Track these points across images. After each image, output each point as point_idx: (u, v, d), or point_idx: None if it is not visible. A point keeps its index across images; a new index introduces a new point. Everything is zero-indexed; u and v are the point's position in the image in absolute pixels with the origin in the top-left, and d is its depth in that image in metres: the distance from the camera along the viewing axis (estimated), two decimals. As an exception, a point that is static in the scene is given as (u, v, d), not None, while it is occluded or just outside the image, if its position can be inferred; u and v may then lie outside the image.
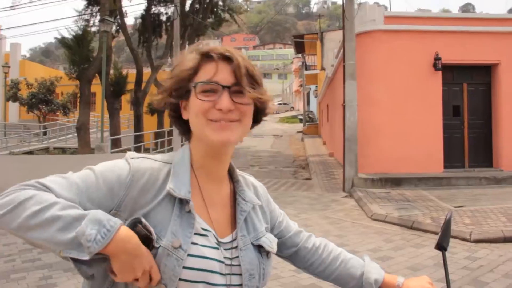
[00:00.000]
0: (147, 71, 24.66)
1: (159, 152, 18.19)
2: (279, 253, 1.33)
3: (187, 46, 24.70)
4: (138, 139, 19.81)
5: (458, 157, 11.97)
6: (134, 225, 0.97)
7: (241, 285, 1.12)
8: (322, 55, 26.32)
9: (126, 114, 29.29)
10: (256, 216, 1.23)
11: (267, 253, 1.19)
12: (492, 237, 6.35)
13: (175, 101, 1.14)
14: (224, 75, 1.07)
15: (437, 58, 11.22)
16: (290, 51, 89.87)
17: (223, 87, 1.06)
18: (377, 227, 7.24)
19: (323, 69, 26.45)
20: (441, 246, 1.27)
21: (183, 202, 1.07)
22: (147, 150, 18.72)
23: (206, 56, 1.10)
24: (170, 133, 19.19)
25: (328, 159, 16.95)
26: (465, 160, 12.03)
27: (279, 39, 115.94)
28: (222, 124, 1.07)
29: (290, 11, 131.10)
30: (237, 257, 1.12)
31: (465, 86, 12.08)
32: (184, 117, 1.14)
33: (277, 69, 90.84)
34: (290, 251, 1.36)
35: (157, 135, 21.27)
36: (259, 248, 1.18)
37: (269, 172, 14.48)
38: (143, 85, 22.17)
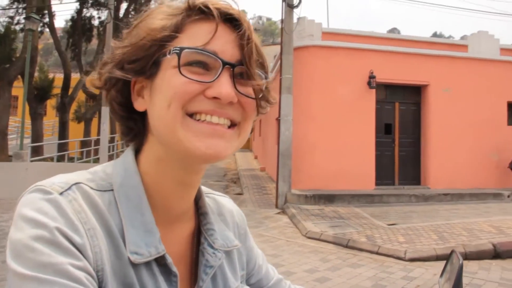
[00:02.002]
0: (75, 76, 23.55)
1: (85, 162, 17.28)
2: None
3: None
4: (62, 147, 18.65)
5: (389, 175, 12.17)
6: None
7: None
8: (257, 69, 26.48)
9: (50, 120, 27.72)
10: (230, 265, 0.84)
11: None
12: (426, 255, 6.32)
13: (129, 77, 0.70)
14: (226, 44, 0.68)
15: (371, 77, 11.37)
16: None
17: (225, 63, 0.67)
18: (312, 246, 7.02)
19: (257, 83, 26.50)
20: None
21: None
22: (71, 160, 17.66)
23: (196, 11, 0.68)
24: (97, 142, 18.27)
25: (259, 174, 16.76)
26: (395, 177, 12.26)
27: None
28: (215, 127, 0.67)
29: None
30: None
31: (397, 105, 12.35)
32: (139, 107, 0.72)
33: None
34: None
35: (83, 144, 20.19)
36: None
37: (200, 186, 14.02)
38: (70, 90, 21.08)
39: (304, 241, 7.38)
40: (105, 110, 15.09)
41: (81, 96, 23.06)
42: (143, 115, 0.73)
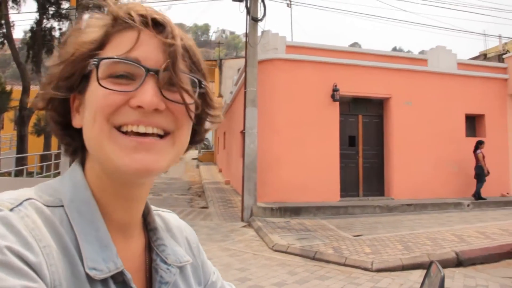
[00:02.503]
0: (35, 88, 22.91)
1: (45, 177, 16.76)
2: None
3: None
4: (20, 161, 18.07)
5: (354, 186, 12.29)
6: None
7: None
8: (220, 82, 26.40)
9: (8, 133, 26.84)
10: (184, 281, 0.80)
11: None
12: (392, 265, 6.37)
13: (63, 95, 0.68)
14: (150, 50, 0.65)
15: (335, 89, 11.51)
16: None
17: (148, 70, 0.63)
18: (279, 259, 6.97)
19: (220, 96, 26.46)
20: None
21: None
22: (30, 174, 17.10)
23: (120, 21, 0.66)
24: (58, 156, 17.78)
25: (224, 187, 16.66)
26: (359, 189, 12.39)
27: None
28: (141, 140, 0.63)
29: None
30: None
31: (361, 118, 12.54)
32: (76, 123, 0.70)
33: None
34: None
35: (43, 158, 19.59)
36: None
37: (163, 200, 13.79)
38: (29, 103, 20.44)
39: (271, 254, 7.32)
40: (66, 124, 14.71)
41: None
42: (77, 130, 0.70)
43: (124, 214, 0.71)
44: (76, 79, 0.67)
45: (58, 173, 16.57)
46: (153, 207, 0.85)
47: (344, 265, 6.49)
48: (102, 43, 0.66)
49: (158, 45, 0.65)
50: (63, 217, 0.64)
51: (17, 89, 23.46)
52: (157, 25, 0.66)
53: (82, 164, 0.72)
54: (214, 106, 0.75)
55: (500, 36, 16.53)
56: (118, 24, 0.66)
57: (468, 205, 11.76)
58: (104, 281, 0.63)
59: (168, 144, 0.67)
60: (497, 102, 13.73)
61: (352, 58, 12.28)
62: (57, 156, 17.85)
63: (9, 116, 24.26)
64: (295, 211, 10.35)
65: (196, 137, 0.77)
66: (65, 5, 21.31)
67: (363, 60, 12.29)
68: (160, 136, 0.66)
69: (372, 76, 12.16)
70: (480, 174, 12.24)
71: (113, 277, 0.64)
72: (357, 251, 7.01)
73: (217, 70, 28.16)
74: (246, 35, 10.55)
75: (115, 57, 0.63)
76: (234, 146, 16.12)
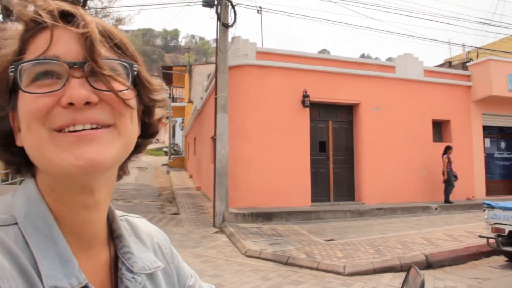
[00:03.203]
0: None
1: (10, 184, 16.29)
2: None
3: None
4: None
5: (324, 191, 12.39)
6: None
7: None
8: (190, 87, 26.30)
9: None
10: (155, 287, 0.77)
11: None
12: (364, 269, 6.44)
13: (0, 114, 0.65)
14: (67, 45, 0.61)
15: (305, 95, 11.62)
16: (156, 82, 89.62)
17: (70, 65, 0.59)
18: (252, 264, 6.97)
19: (190, 101, 26.36)
20: None
21: None
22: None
23: (34, 24, 0.62)
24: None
25: (195, 193, 16.55)
26: (330, 194, 12.51)
27: (146, 69, 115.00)
28: (78, 133, 0.60)
29: (158, 43, 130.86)
30: None
31: (330, 123, 12.68)
32: (19, 142, 0.65)
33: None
34: None
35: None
36: None
37: (134, 206, 13.61)
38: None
39: (244, 259, 7.31)
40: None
41: None
42: (20, 148, 0.66)
43: (84, 224, 0.67)
44: (4, 96, 0.63)
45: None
46: (120, 213, 0.82)
47: (317, 269, 6.54)
48: (19, 52, 0.62)
49: (74, 37, 0.61)
50: (18, 235, 0.60)
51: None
52: (67, 17, 0.62)
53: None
54: (154, 89, 0.72)
55: (463, 45, 17.02)
56: (30, 27, 0.62)
57: (436, 209, 12.02)
58: None
59: (112, 134, 0.63)
60: (462, 108, 14.12)
61: (322, 64, 12.42)
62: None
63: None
64: (267, 216, 10.37)
65: (150, 130, 0.75)
66: None
67: (333, 67, 12.44)
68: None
69: (341, 82, 12.33)
70: (447, 179, 12.54)
71: None
72: (330, 255, 7.07)
73: (187, 75, 28.05)
74: (217, 41, 10.54)
75: (32, 59, 0.60)
76: (204, 152, 16.05)
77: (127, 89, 0.64)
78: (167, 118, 43.17)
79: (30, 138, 0.61)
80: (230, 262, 7.12)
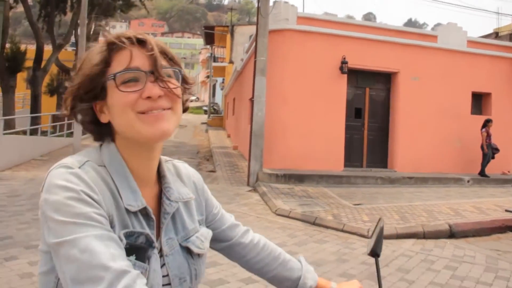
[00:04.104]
0: (47, 48, 22.97)
1: (58, 136, 17.17)
2: (211, 246, 1.25)
3: (93, 26, 23.45)
4: (34, 121, 18.40)
5: (357, 157, 12.60)
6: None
7: None
8: (232, 48, 26.47)
9: (21, 92, 27.06)
10: (187, 212, 1.14)
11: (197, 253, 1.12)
12: (387, 233, 6.70)
13: (88, 104, 0.99)
14: (142, 60, 0.95)
15: (344, 62, 11.70)
16: (198, 41, 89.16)
17: (146, 72, 0.94)
18: (281, 222, 7.37)
19: (231, 62, 26.56)
20: (375, 253, 1.27)
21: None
22: (44, 133, 17.48)
23: (115, 45, 0.96)
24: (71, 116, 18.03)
25: (232, 152, 17.03)
26: (363, 160, 12.71)
27: (188, 28, 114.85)
28: (156, 114, 0.95)
29: (201, 1, 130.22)
30: (164, 264, 1.04)
31: (368, 91, 12.74)
32: (103, 120, 1.00)
33: (184, 58, 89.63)
34: (223, 245, 1.29)
35: (56, 118, 19.89)
36: (188, 249, 1.10)
37: (173, 163, 14.19)
38: (43, 63, 20.52)
39: (273, 218, 7.72)
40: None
41: (53, 69, 22.56)
42: (104, 124, 1.01)
43: (144, 170, 1.04)
44: (95, 91, 0.97)
45: (71, 133, 16.95)
46: (167, 158, 1.18)
47: (342, 231, 6.88)
48: (107, 62, 0.95)
49: (145, 55, 0.95)
50: (107, 173, 0.97)
51: (30, 48, 23.45)
52: (140, 42, 0.96)
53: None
54: (190, 83, 1.07)
55: (513, 15, 16.43)
56: (114, 47, 0.96)
57: (468, 181, 12.08)
58: (135, 213, 0.98)
59: (172, 114, 0.98)
60: (505, 81, 13.83)
61: (361, 31, 12.40)
62: (70, 117, 18.13)
63: (22, 75, 24.39)
64: (299, 178, 10.72)
65: (184, 107, 1.08)
66: None
67: (373, 34, 12.40)
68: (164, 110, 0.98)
69: (381, 50, 12.30)
70: (486, 153, 12.51)
71: (140, 210, 0.99)
72: (356, 218, 7.38)
73: (228, 36, 28.14)
74: (258, 5, 10.69)
75: (124, 70, 0.94)
76: (243, 113, 16.40)
77: (177, 87, 0.99)
78: (208, 77, 43.67)
79: (123, 119, 0.96)
80: (260, 219, 7.54)
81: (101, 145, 1.04)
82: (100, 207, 0.88)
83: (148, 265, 0.96)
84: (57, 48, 21.30)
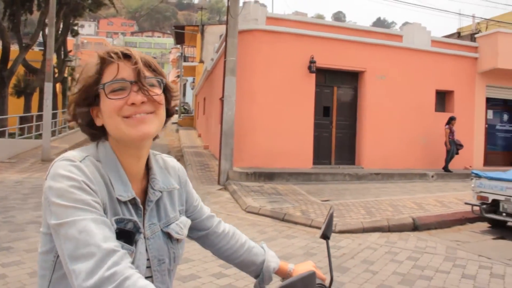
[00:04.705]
0: (14, 48, 22.47)
1: (26, 138, 16.86)
2: (189, 235, 1.40)
3: (61, 25, 23.07)
4: (1, 123, 18.01)
5: (326, 155, 12.86)
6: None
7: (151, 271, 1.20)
8: (202, 47, 26.45)
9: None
10: (170, 200, 1.29)
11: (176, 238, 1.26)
12: (354, 228, 6.95)
13: (86, 109, 1.14)
14: (127, 71, 1.10)
15: (312, 61, 11.93)
16: (169, 40, 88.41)
17: (131, 82, 1.09)
18: (251, 219, 7.52)
19: (201, 61, 26.54)
20: (326, 236, 1.43)
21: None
22: (12, 135, 17.16)
23: (106, 59, 1.11)
24: (38, 118, 17.73)
25: (203, 152, 17.10)
26: (331, 157, 12.97)
27: (158, 27, 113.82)
28: (138, 117, 1.09)
29: (171, 0, 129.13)
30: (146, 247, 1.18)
31: (335, 89, 13.01)
32: (98, 123, 1.15)
33: (154, 57, 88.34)
34: (200, 234, 1.45)
35: (24, 120, 19.47)
36: (169, 234, 1.24)
37: (144, 163, 14.17)
38: (10, 64, 20.05)
39: (244, 215, 7.86)
40: (48, 86, 14.74)
41: (20, 69, 22.07)
42: (99, 127, 1.16)
43: (133, 166, 1.18)
44: (91, 98, 1.12)
45: (40, 135, 16.64)
46: (156, 152, 1.32)
47: (310, 226, 7.07)
48: (100, 73, 1.11)
49: (130, 67, 1.10)
50: (102, 167, 1.12)
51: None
52: (126, 56, 1.11)
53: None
54: (173, 91, 1.23)
55: (473, 16, 17.05)
56: (105, 61, 1.11)
57: (432, 176, 12.48)
58: (125, 202, 1.13)
59: (154, 118, 1.12)
60: (467, 80, 14.35)
61: (329, 31, 12.64)
62: (39, 118, 17.79)
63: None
64: (269, 176, 10.89)
65: (169, 112, 1.22)
66: None
67: (340, 34, 12.67)
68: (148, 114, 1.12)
69: (348, 49, 12.59)
70: (449, 149, 12.94)
71: (130, 200, 1.14)
72: (323, 214, 7.57)
73: (199, 35, 28.12)
74: (228, 6, 10.81)
75: (111, 80, 1.09)
76: (213, 112, 16.49)
77: (159, 94, 1.14)
78: (178, 76, 43.50)
79: (111, 122, 1.11)
80: (230, 217, 7.66)
81: (97, 144, 1.18)
82: (96, 196, 1.03)
83: (135, 248, 1.11)
84: (24, 48, 20.88)
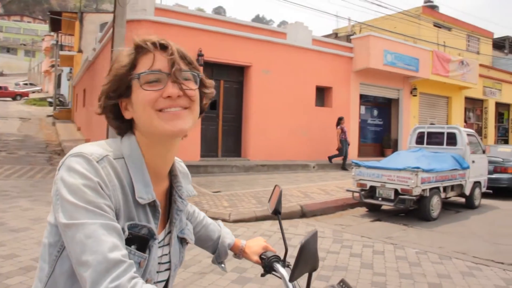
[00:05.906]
0: None
1: None
2: None
3: None
4: None
5: (213, 147, 13.04)
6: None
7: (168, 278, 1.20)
8: (81, 36, 25.09)
9: None
10: (184, 208, 1.27)
11: (187, 242, 1.26)
12: (247, 217, 7.16)
13: (114, 101, 1.08)
14: (163, 63, 1.04)
15: (200, 55, 11.97)
16: (41, 26, 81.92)
17: (168, 74, 1.03)
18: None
19: (80, 51, 25.22)
20: (277, 211, 1.52)
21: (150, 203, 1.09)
22: None
23: (141, 48, 1.06)
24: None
25: (84, 146, 16.27)
26: (218, 150, 13.17)
27: (28, 11, 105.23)
28: (174, 112, 1.03)
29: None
30: (168, 253, 1.17)
31: (222, 83, 13.20)
32: (127, 116, 1.09)
33: (24, 44, 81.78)
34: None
35: None
36: (181, 239, 1.23)
37: (19, 158, 13.18)
38: None
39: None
40: None
41: None
42: (127, 120, 1.10)
43: (159, 166, 1.12)
44: (121, 89, 1.06)
45: None
46: (177, 159, 1.27)
47: (205, 217, 7.13)
48: (133, 64, 1.05)
49: (166, 58, 1.04)
50: (124, 165, 1.04)
51: None
52: (163, 46, 1.05)
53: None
54: (209, 86, 1.17)
55: (349, 19, 18.37)
56: (140, 50, 1.05)
57: (313, 167, 13.24)
58: (143, 205, 1.06)
59: (189, 113, 1.05)
60: (343, 77, 15.45)
61: (217, 25, 12.79)
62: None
63: None
64: (158, 169, 10.71)
65: (201, 108, 1.16)
66: None
67: (228, 29, 12.88)
68: (183, 109, 1.05)
69: (235, 44, 12.84)
70: (341, 148, 13.80)
71: (149, 203, 1.07)
72: (217, 205, 7.71)
73: (77, 23, 26.60)
74: (115, -7, 10.40)
75: (147, 71, 1.03)
76: (95, 104, 15.72)
77: (194, 89, 1.08)
78: (52, 66, 40.70)
79: (144, 115, 1.04)
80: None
81: (122, 138, 1.11)
82: (109, 200, 0.96)
83: (149, 255, 1.06)
84: None
